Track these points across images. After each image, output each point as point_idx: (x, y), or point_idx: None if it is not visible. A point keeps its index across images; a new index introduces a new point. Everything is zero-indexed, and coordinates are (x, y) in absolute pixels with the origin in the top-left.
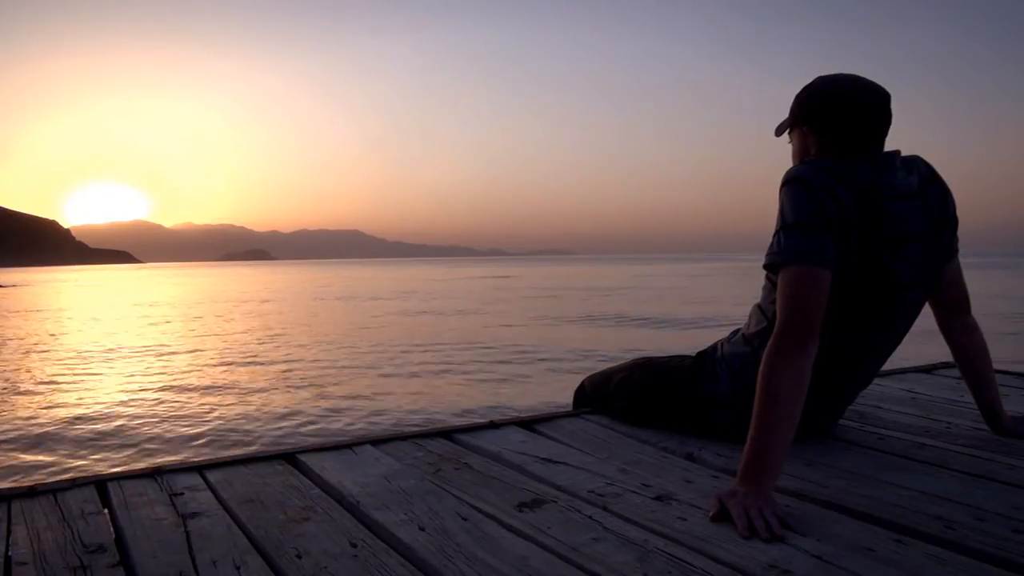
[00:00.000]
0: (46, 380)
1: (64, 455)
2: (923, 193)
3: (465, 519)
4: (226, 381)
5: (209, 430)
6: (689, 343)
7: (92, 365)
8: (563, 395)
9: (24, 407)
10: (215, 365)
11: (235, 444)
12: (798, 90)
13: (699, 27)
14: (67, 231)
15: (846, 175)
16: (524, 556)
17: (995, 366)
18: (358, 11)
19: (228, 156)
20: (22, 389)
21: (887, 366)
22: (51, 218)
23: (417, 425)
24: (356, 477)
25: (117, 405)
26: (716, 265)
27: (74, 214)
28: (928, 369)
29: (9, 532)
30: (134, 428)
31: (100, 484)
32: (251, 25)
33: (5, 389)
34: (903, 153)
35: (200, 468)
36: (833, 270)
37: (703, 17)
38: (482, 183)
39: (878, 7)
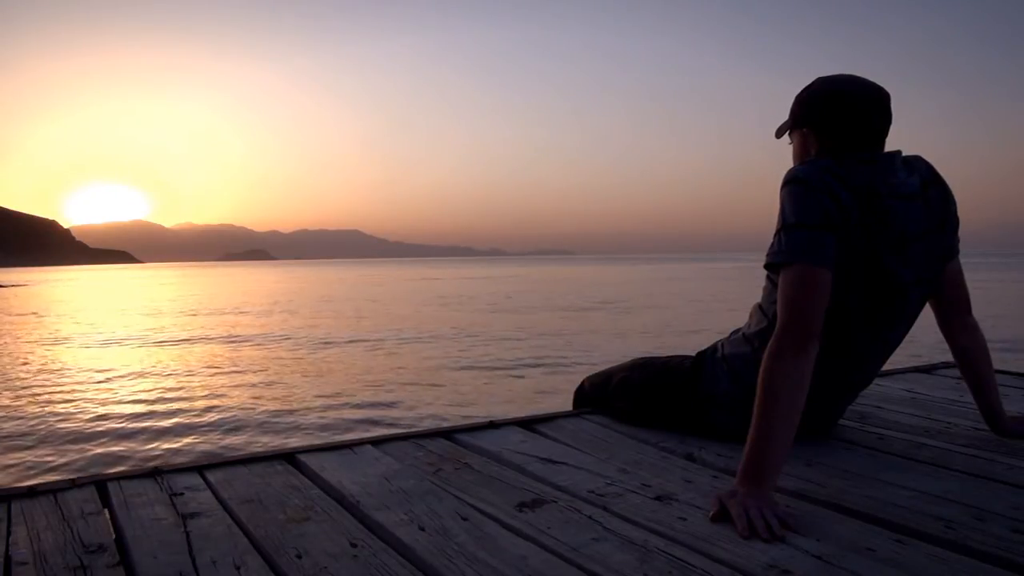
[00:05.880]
0: (47, 380)
1: (64, 455)
2: (924, 193)
3: (465, 519)
4: (226, 381)
5: (209, 429)
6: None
7: (93, 365)
8: (563, 395)
9: (25, 407)
10: (215, 366)
11: (235, 444)
12: (800, 90)
13: (702, 27)
14: (67, 231)
15: (847, 175)
16: (524, 556)
17: (995, 366)
18: (359, 10)
19: (228, 156)
20: (24, 389)
21: (887, 366)
22: (51, 218)
23: (417, 425)
24: (356, 477)
25: (118, 405)
26: (719, 265)
27: (74, 214)
28: (928, 369)
29: (9, 532)
30: (135, 428)
31: (100, 484)
32: (251, 25)
33: (6, 389)
34: (904, 153)
35: (200, 468)
36: (833, 270)
37: (706, 17)
38: (483, 183)
39: (881, 7)
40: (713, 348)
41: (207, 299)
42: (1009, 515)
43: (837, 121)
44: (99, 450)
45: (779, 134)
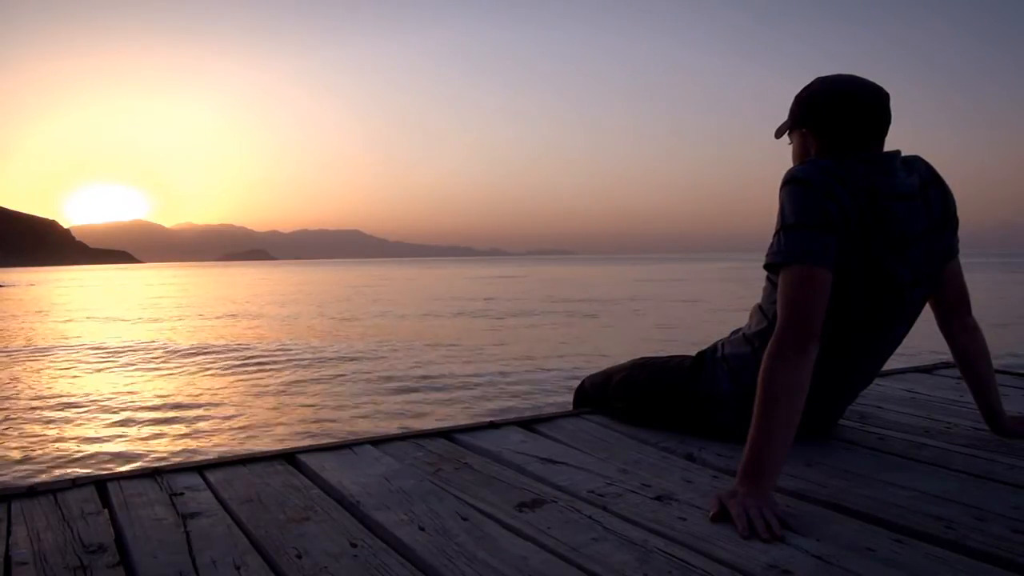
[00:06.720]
0: (48, 379)
1: (65, 454)
2: (923, 193)
3: (465, 519)
4: (229, 382)
5: (209, 429)
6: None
7: (93, 365)
8: (563, 395)
9: (27, 406)
10: (215, 366)
11: (235, 444)
12: (800, 90)
13: (702, 26)
14: (67, 231)
15: (846, 175)
16: (524, 556)
17: (995, 366)
18: (359, 10)
19: (228, 156)
20: (25, 388)
21: (887, 366)
22: (51, 218)
23: (417, 425)
24: (356, 477)
25: (119, 404)
26: (718, 265)
27: (74, 214)
28: (928, 369)
29: (9, 532)
30: (135, 428)
31: (100, 484)
32: (251, 25)
33: (8, 389)
34: (904, 153)
35: (200, 468)
36: (833, 270)
37: (706, 16)
38: (483, 183)
39: (883, 8)
40: (713, 348)
41: (209, 301)
42: (1009, 515)
43: (837, 121)
44: (99, 450)
45: (779, 134)
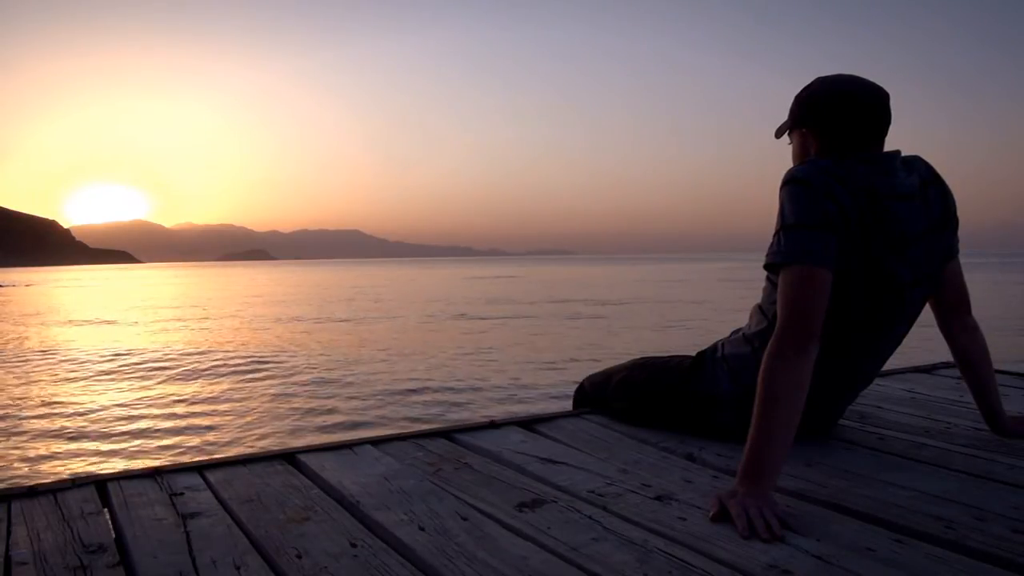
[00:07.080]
0: (48, 382)
1: (64, 455)
2: (923, 193)
3: (465, 519)
4: (228, 382)
5: (210, 429)
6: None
7: (93, 367)
8: (563, 396)
9: (27, 406)
10: (215, 367)
11: (235, 444)
12: (800, 90)
13: (702, 27)
14: (67, 231)
15: (846, 175)
16: (524, 556)
17: (995, 366)
18: (359, 10)
19: (228, 156)
20: (26, 388)
21: (887, 366)
22: (51, 218)
23: (417, 425)
24: (356, 477)
25: (119, 406)
26: (719, 265)
27: (74, 214)
28: (928, 369)
29: (9, 532)
30: (135, 428)
31: (100, 484)
32: (251, 25)
33: (8, 390)
34: (904, 153)
35: (200, 468)
36: (833, 270)
37: (706, 16)
38: (482, 183)
39: (883, 8)
40: (713, 348)
41: (209, 301)
42: (1009, 515)
43: (837, 121)
44: (99, 450)
45: (779, 134)
